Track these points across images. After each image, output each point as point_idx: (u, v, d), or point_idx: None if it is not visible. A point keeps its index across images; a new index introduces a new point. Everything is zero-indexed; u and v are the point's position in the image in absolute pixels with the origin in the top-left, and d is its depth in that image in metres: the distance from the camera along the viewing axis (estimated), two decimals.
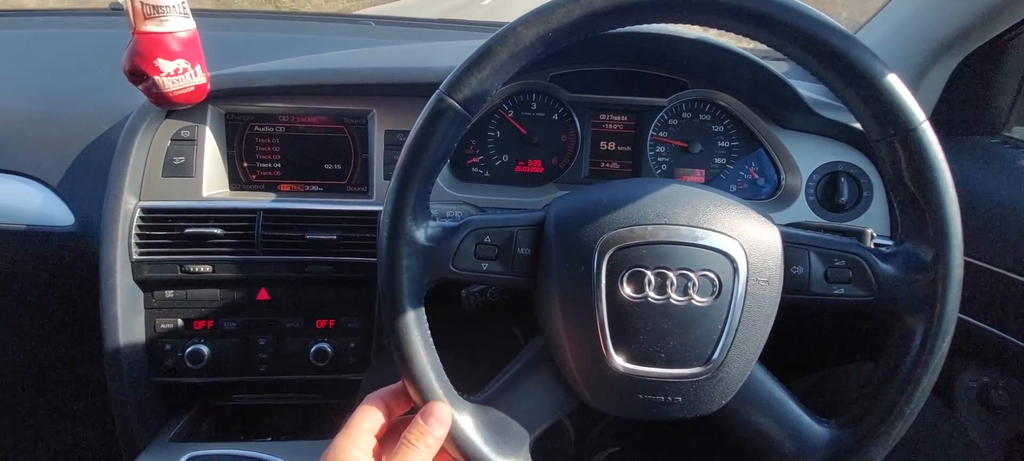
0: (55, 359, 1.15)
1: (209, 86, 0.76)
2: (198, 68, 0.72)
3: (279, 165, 0.85)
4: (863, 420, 0.48)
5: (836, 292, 0.48)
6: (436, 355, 0.48)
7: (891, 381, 0.46)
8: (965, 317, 0.70)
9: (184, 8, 0.69)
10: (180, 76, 0.70)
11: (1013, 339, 0.69)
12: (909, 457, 0.63)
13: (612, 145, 0.88)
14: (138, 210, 0.77)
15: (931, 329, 0.45)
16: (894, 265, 0.47)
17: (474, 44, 0.45)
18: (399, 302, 0.46)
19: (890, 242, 0.78)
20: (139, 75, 0.69)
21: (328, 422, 0.90)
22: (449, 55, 0.90)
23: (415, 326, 0.46)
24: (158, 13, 0.66)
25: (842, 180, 0.81)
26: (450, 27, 1.35)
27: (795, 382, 0.80)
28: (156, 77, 0.69)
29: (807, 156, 0.83)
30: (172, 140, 0.79)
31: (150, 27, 0.66)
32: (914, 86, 0.81)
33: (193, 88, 0.73)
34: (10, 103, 0.89)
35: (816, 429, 0.49)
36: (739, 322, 0.45)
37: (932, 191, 0.43)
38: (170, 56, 0.68)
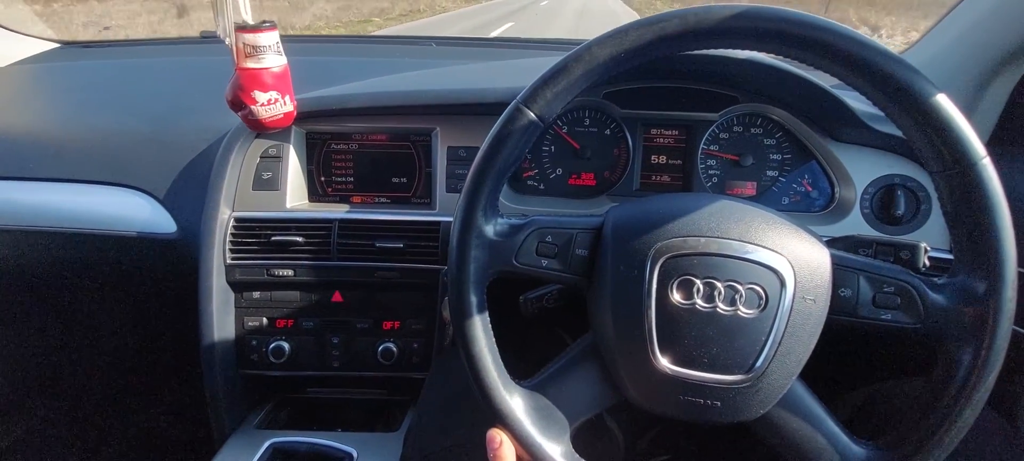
0: (152, 351, 1.28)
1: (296, 112, 0.85)
2: (287, 98, 0.82)
3: (352, 179, 0.93)
4: (902, 444, 0.47)
5: (883, 317, 0.48)
6: (493, 339, 0.51)
7: (933, 409, 0.46)
8: None
9: (278, 48, 0.78)
10: (272, 105, 0.79)
11: None
12: None
13: (663, 159, 0.91)
14: (232, 220, 0.87)
15: (978, 361, 0.44)
16: (945, 296, 0.47)
17: (526, 63, 0.49)
18: (465, 289, 0.50)
19: (946, 256, 0.77)
20: (238, 104, 0.79)
21: (392, 417, 0.97)
22: (505, 76, 0.96)
23: (477, 312, 0.50)
24: (257, 52, 0.76)
25: (899, 193, 0.80)
26: (503, 46, 1.42)
27: (842, 399, 0.80)
28: (252, 106, 0.78)
29: (862, 169, 0.83)
30: (261, 157, 0.89)
31: (250, 64, 0.76)
32: (975, 100, 0.79)
33: (282, 115, 0.82)
34: (124, 124, 1.02)
35: (853, 448, 0.49)
36: (783, 336, 0.46)
37: (989, 227, 0.43)
38: (264, 88, 0.78)
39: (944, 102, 0.42)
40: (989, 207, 0.43)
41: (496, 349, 0.51)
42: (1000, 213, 0.43)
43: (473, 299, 0.50)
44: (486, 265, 0.51)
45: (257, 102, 0.78)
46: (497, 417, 0.50)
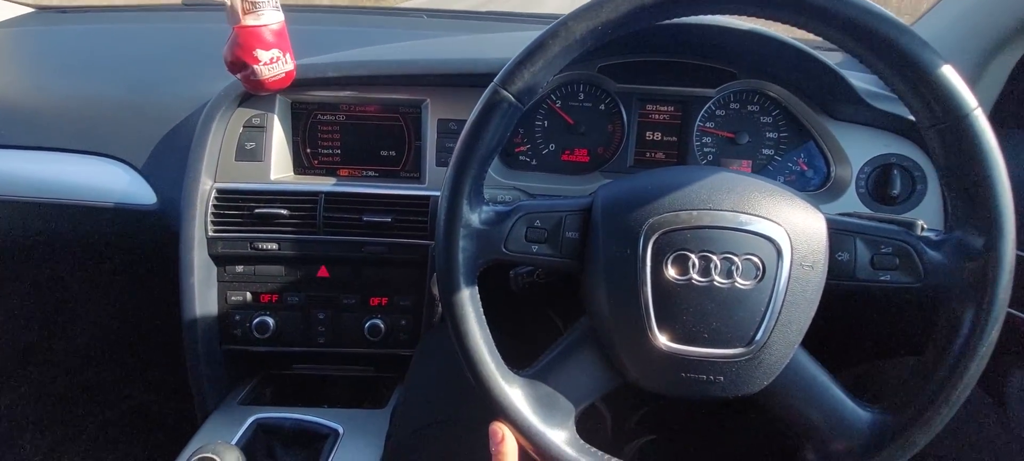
0: (133, 326, 1.25)
1: (296, 73, 0.81)
2: (288, 56, 0.78)
3: (339, 151, 0.90)
4: (907, 405, 0.47)
5: (882, 278, 0.47)
6: (488, 331, 0.50)
7: (937, 367, 0.45)
8: (1020, 313, 0.69)
9: (276, 3, 0.74)
10: (275, 64, 0.76)
11: None
12: (958, 455, 0.62)
13: (658, 135, 0.89)
14: (214, 191, 0.84)
15: (980, 316, 0.44)
16: (943, 252, 0.46)
17: (519, 36, 0.47)
18: (455, 281, 0.48)
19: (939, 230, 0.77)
20: (239, 65, 0.75)
21: (379, 394, 0.96)
22: (497, 47, 0.94)
23: (469, 303, 0.49)
24: (255, 8, 0.72)
25: (895, 172, 0.80)
26: (495, 19, 1.38)
27: (840, 374, 0.80)
28: (255, 66, 0.74)
29: (858, 147, 0.82)
30: (244, 127, 0.86)
31: (249, 21, 0.72)
32: (974, 78, 0.78)
33: (284, 75, 0.78)
34: (101, 91, 0.98)
35: (859, 413, 0.48)
36: (782, 305, 0.45)
37: (984, 178, 0.42)
38: (266, 46, 0.74)
39: (932, 55, 0.41)
40: (983, 158, 0.42)
41: (491, 340, 0.50)
42: (995, 164, 0.42)
43: (465, 291, 0.49)
44: (475, 255, 0.49)
45: (260, 61, 0.75)
46: (497, 410, 0.49)
